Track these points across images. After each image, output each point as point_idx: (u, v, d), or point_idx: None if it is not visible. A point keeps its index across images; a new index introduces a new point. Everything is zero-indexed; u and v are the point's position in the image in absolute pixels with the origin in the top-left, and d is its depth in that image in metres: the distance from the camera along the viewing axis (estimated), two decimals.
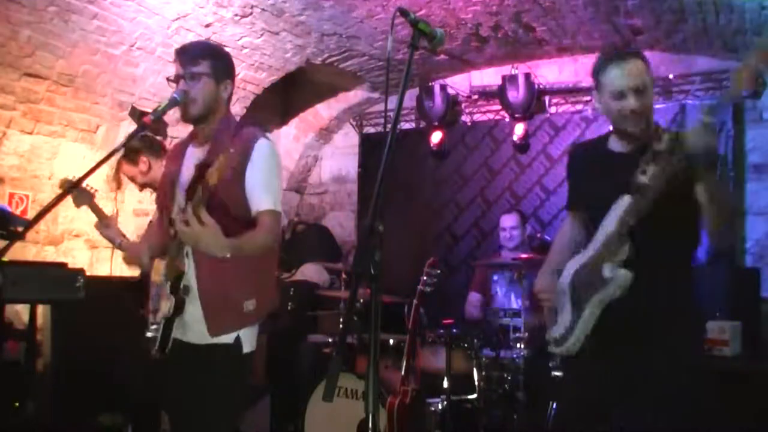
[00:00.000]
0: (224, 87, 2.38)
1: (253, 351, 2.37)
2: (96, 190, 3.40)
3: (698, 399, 2.15)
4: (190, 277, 2.30)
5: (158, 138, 3.57)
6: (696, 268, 2.27)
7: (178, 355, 2.31)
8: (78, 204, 3.33)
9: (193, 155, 2.41)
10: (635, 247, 2.17)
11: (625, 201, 2.20)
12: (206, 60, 2.35)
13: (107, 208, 4.82)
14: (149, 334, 2.33)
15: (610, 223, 2.23)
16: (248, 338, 2.34)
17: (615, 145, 2.39)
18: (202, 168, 2.24)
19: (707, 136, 1.99)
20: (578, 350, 2.29)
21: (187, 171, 2.36)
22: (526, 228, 4.66)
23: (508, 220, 4.65)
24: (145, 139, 3.42)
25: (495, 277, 4.55)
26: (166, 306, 2.29)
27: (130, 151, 3.41)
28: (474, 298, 4.71)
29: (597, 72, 2.36)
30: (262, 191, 2.28)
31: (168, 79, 2.36)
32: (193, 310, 2.30)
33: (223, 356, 2.29)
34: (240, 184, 2.26)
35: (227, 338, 2.30)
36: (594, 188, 2.41)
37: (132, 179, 3.50)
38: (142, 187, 3.54)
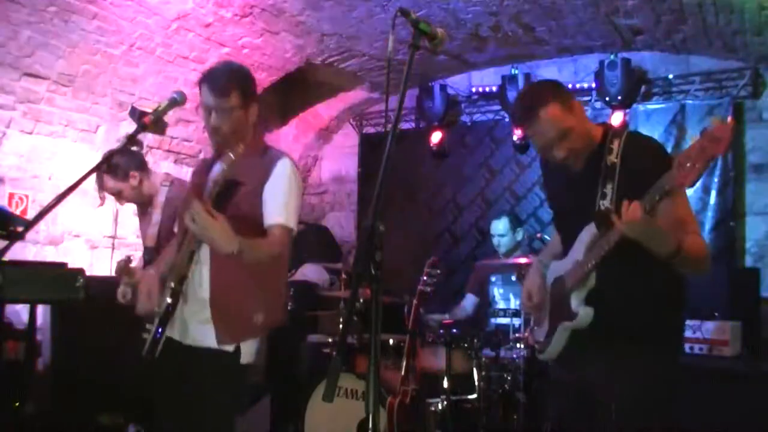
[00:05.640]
0: (252, 111, 2.43)
1: (251, 364, 2.40)
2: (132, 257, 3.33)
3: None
4: (203, 284, 2.34)
5: (142, 153, 3.54)
6: (674, 279, 2.21)
7: (173, 357, 2.33)
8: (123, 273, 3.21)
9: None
10: (601, 277, 2.14)
11: (589, 230, 2.17)
12: (235, 90, 2.35)
13: (108, 208, 4.82)
14: (146, 335, 2.35)
15: (578, 251, 2.21)
16: (248, 349, 2.37)
17: None
18: (230, 184, 2.32)
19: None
20: (554, 360, 2.35)
21: (216, 184, 2.41)
22: (518, 232, 4.59)
23: (496, 227, 4.60)
24: (132, 156, 3.38)
25: (492, 279, 4.54)
26: (162, 303, 2.32)
27: (117, 167, 3.34)
28: (469, 300, 4.69)
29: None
30: (276, 206, 2.34)
31: (198, 108, 2.39)
32: (197, 313, 2.34)
33: (220, 363, 2.32)
34: (258, 200, 2.34)
35: (228, 346, 2.33)
36: (557, 201, 2.46)
37: (117, 194, 3.40)
38: (127, 201, 3.48)
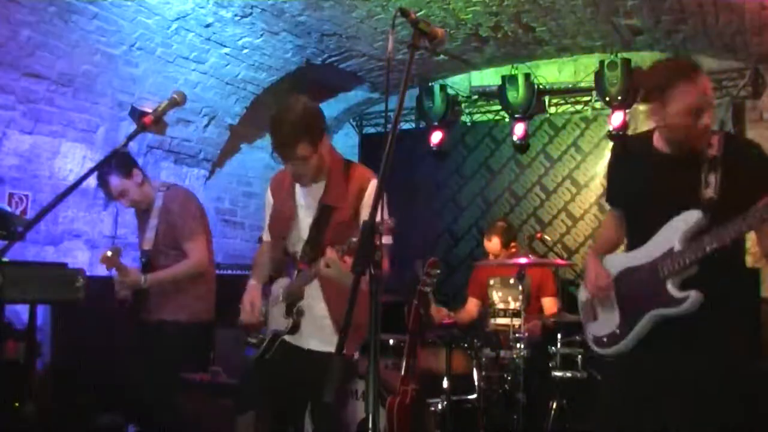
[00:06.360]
0: (324, 144, 2.50)
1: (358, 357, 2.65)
2: (122, 248, 3.40)
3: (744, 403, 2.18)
4: (314, 299, 2.54)
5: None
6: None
7: (287, 357, 2.58)
8: (110, 265, 3.31)
9: (308, 192, 2.59)
10: (703, 266, 2.15)
11: (692, 216, 2.16)
12: (303, 140, 2.40)
13: (108, 208, 4.80)
14: (252, 340, 2.61)
15: (671, 237, 2.19)
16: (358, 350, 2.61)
17: (661, 144, 2.31)
18: (326, 210, 2.49)
19: None
20: (626, 353, 2.29)
21: (308, 207, 2.58)
22: (510, 246, 4.58)
23: (489, 246, 4.59)
24: (130, 157, 3.50)
25: (491, 282, 4.53)
26: (284, 324, 2.55)
27: (119, 164, 3.35)
28: (472, 303, 4.68)
29: (665, 85, 2.19)
30: None
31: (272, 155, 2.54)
32: (318, 330, 2.54)
33: (339, 365, 2.46)
34: (356, 221, 2.47)
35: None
36: (637, 187, 2.35)
37: (122, 193, 3.41)
38: (131, 201, 3.47)
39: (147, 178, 3.51)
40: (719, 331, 2.18)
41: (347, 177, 2.54)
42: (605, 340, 2.36)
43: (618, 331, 2.31)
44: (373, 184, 2.50)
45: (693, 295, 2.13)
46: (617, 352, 2.32)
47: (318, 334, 2.55)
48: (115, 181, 3.38)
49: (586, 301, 2.50)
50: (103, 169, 3.30)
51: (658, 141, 2.32)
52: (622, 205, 2.49)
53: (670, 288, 2.18)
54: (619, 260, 2.39)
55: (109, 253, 3.27)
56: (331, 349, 2.49)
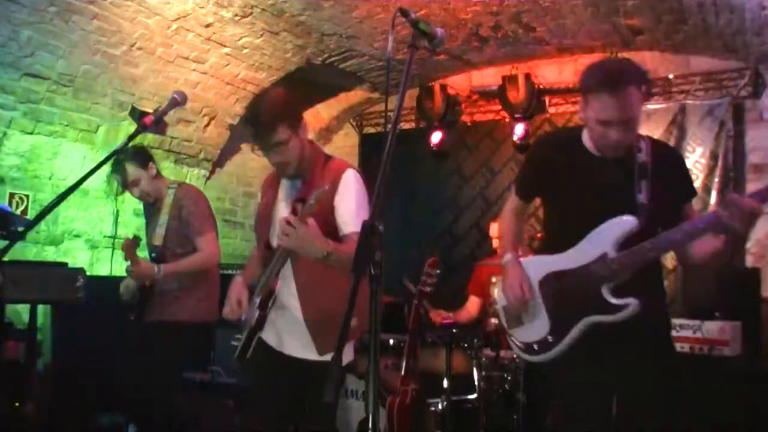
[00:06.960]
0: (302, 130, 2.47)
1: (350, 361, 2.57)
2: (140, 239, 3.41)
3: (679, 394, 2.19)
4: (290, 298, 2.47)
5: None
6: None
7: (270, 363, 2.53)
8: (127, 255, 3.32)
9: (288, 187, 2.56)
10: (635, 271, 2.13)
11: (627, 222, 2.13)
12: (282, 123, 2.36)
13: (108, 208, 4.82)
14: (234, 343, 2.61)
15: (603, 242, 2.16)
16: (347, 353, 2.50)
17: (590, 144, 2.26)
18: (299, 204, 2.40)
19: None
20: (558, 359, 2.24)
21: (285, 205, 2.53)
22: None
23: (495, 230, 4.58)
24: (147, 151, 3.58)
25: (493, 279, 4.54)
26: (253, 318, 2.48)
27: (138, 154, 3.45)
28: (473, 302, 4.68)
29: (586, 88, 2.18)
30: (350, 215, 2.42)
31: (253, 150, 2.48)
32: (293, 328, 2.48)
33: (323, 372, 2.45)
34: (331, 211, 2.42)
35: (328, 355, 2.41)
36: (567, 186, 2.27)
37: (135, 182, 3.47)
38: (141, 193, 3.52)
39: (161, 174, 3.59)
40: (653, 335, 2.19)
41: (324, 171, 2.49)
42: (536, 347, 2.29)
43: (550, 338, 2.25)
44: (347, 174, 2.45)
45: (632, 303, 2.09)
46: (549, 359, 2.25)
47: (294, 337, 2.49)
48: (131, 169, 3.45)
49: (508, 305, 2.41)
50: (121, 156, 3.39)
51: (588, 141, 2.27)
52: (544, 201, 2.42)
53: (606, 295, 2.14)
54: (543, 263, 2.32)
55: (129, 242, 3.31)
56: (309, 354, 2.45)
